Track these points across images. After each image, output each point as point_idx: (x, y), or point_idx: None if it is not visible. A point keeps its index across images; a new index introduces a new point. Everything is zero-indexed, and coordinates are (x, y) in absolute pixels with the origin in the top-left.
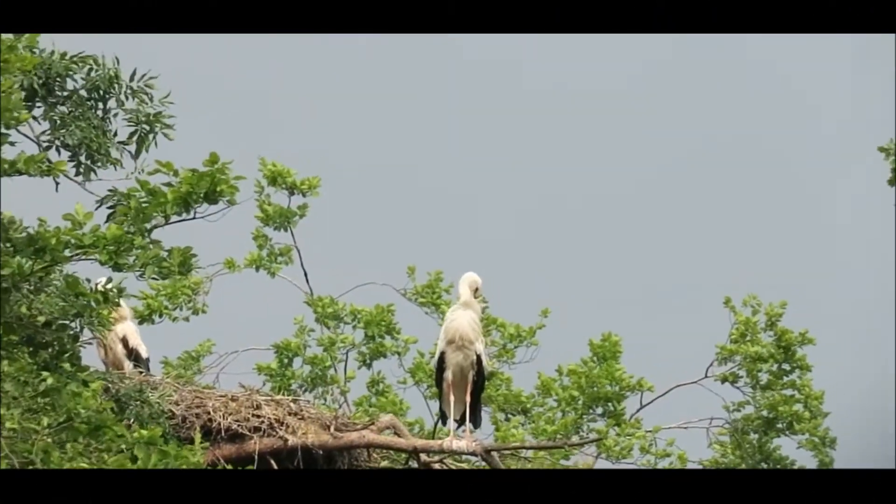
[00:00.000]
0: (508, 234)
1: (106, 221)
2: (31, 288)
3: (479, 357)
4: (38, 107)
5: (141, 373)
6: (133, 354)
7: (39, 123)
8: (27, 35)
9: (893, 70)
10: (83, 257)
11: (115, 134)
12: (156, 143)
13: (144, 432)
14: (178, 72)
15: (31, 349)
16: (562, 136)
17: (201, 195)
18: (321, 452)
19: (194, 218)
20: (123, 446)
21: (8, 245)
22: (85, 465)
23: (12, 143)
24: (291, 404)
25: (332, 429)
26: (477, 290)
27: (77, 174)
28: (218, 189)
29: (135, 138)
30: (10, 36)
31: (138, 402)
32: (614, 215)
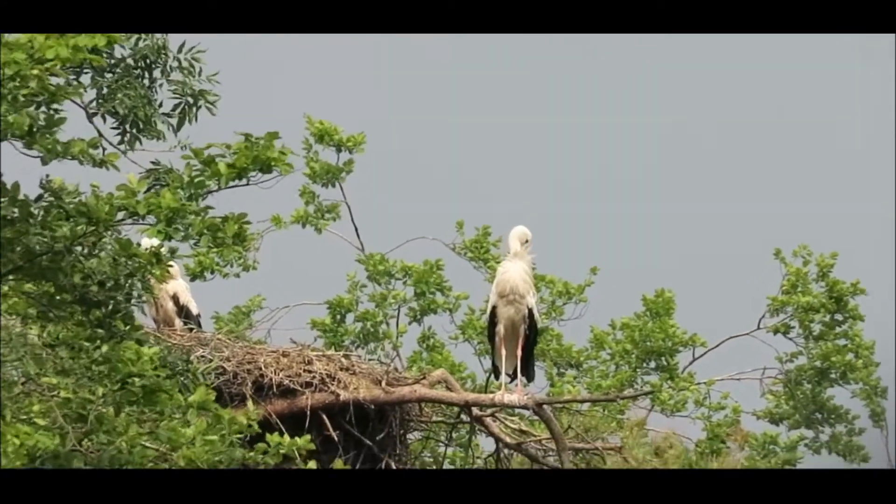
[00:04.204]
0: (557, 188)
1: (146, 191)
2: (84, 252)
3: (530, 311)
4: (86, 72)
5: (191, 329)
6: (184, 311)
7: (86, 91)
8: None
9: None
10: (136, 224)
11: (161, 105)
12: (196, 118)
13: (195, 397)
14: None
15: (83, 308)
16: (607, 98)
17: (256, 168)
18: (373, 407)
19: (248, 184)
20: (178, 413)
21: (60, 210)
22: (141, 432)
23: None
24: (343, 359)
25: (383, 383)
26: (527, 241)
27: (121, 143)
28: (273, 164)
29: (177, 111)
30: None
31: (185, 371)
32: (663, 170)
